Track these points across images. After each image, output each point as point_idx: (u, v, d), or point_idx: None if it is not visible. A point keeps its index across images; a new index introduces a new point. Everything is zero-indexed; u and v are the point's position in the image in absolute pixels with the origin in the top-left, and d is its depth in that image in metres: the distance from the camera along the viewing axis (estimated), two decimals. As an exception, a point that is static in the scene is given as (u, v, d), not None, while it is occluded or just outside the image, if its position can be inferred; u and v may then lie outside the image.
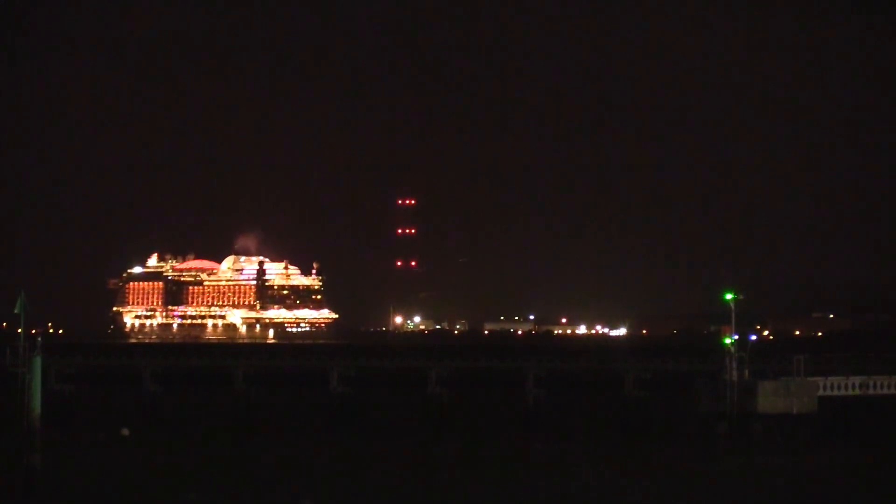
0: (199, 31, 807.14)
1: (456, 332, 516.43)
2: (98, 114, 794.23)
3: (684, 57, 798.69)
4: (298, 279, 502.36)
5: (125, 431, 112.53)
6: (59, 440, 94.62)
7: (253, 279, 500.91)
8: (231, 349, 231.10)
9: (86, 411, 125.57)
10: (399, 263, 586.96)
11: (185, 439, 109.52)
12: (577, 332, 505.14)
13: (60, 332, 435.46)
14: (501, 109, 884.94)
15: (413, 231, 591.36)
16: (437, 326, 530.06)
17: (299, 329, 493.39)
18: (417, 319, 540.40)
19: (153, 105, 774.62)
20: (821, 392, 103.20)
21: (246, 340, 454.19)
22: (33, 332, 78.01)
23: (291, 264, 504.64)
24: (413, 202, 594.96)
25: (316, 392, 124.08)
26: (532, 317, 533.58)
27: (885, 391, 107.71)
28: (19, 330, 76.96)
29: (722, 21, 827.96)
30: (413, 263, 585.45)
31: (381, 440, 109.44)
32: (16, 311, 77.67)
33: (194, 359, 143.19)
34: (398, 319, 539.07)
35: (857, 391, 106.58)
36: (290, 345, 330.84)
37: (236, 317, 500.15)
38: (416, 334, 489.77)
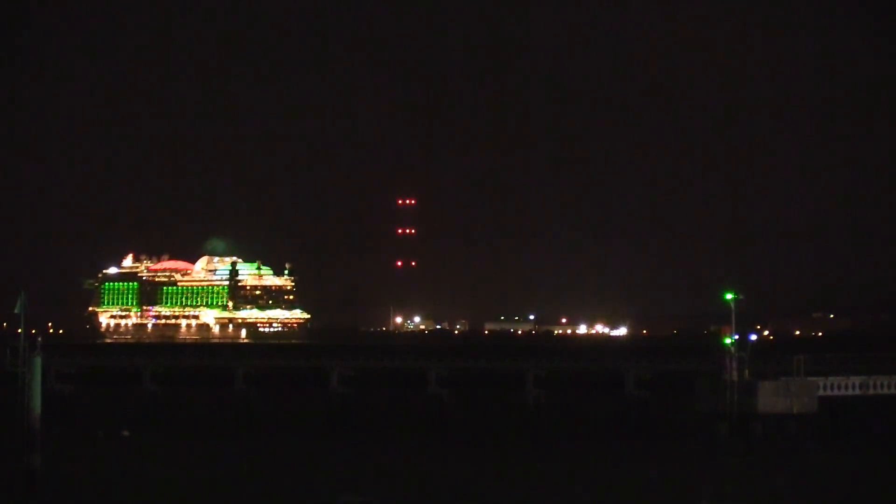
0: (187, 30, 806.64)
1: (456, 332, 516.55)
2: (78, 114, 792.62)
3: (684, 57, 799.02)
4: (271, 279, 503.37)
5: (126, 433, 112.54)
6: (59, 440, 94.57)
7: (226, 280, 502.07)
8: (231, 349, 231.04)
9: (86, 411, 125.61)
10: (399, 263, 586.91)
11: (185, 439, 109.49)
12: (577, 332, 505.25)
13: (61, 332, 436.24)
14: (501, 109, 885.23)
15: (413, 231, 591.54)
16: (438, 326, 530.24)
17: (272, 329, 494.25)
18: (417, 319, 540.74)
19: (133, 106, 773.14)
20: (821, 392, 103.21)
21: (218, 340, 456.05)
22: (33, 331, 77.90)
23: (264, 265, 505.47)
24: (413, 202, 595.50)
25: (316, 392, 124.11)
26: (532, 317, 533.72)
27: (886, 391, 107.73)
28: (19, 330, 76.92)
29: (722, 20, 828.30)
30: (413, 263, 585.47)
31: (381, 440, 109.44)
32: (16, 311, 77.63)
33: (194, 359, 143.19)
34: (398, 319, 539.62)
35: (857, 391, 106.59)
36: (290, 345, 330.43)
37: (210, 317, 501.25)
38: (416, 334, 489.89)
